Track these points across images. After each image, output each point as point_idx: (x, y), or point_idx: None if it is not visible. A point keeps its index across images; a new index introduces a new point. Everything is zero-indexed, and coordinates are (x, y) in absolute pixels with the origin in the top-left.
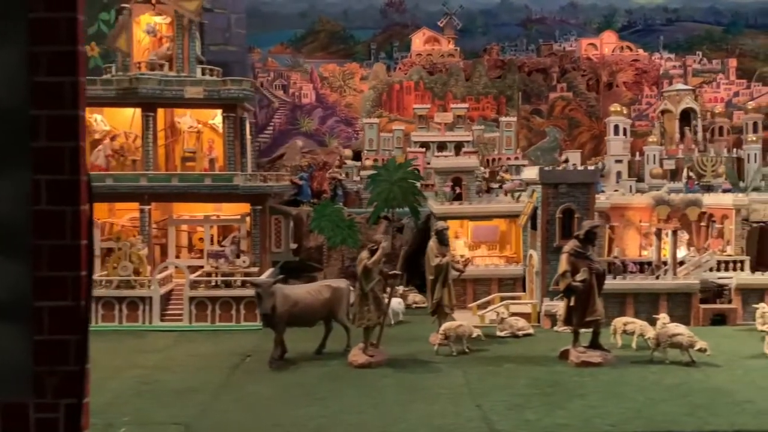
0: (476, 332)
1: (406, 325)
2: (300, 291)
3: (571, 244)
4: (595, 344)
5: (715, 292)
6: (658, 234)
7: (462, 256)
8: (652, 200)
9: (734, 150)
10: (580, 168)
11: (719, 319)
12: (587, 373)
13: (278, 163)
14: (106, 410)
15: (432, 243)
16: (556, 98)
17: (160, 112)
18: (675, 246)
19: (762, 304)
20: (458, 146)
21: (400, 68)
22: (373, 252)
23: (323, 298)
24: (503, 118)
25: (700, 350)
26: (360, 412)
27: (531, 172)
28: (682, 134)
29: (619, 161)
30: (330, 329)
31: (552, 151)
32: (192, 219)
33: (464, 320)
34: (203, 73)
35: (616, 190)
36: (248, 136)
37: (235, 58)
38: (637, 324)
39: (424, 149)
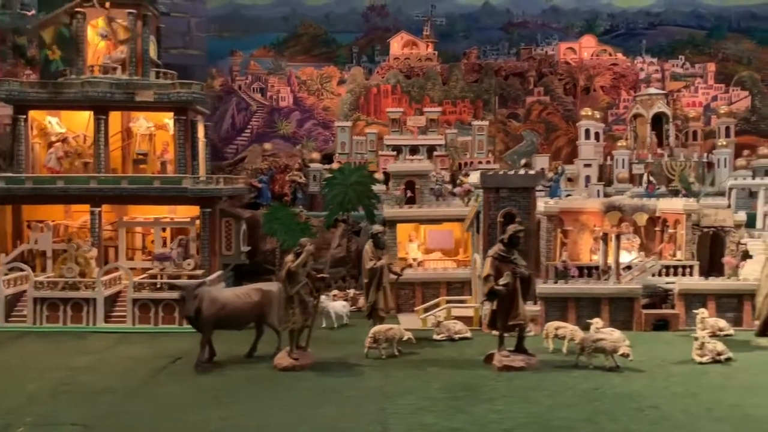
0: (407, 335)
1: (350, 328)
2: (228, 294)
3: (495, 249)
4: (519, 348)
5: (661, 297)
6: (604, 239)
7: (414, 259)
8: (602, 205)
9: (705, 154)
10: (521, 172)
11: (662, 324)
12: (506, 378)
13: (240, 166)
14: (13, 411)
15: (368, 246)
16: (533, 102)
17: (115, 115)
18: (618, 251)
19: (702, 310)
20: (431, 150)
21: (378, 72)
22: (298, 255)
23: (252, 302)
24: (475, 122)
25: (623, 355)
26: (265, 415)
27: (476, 177)
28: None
29: (588, 165)
30: (261, 332)
31: (529, 155)
32: (141, 221)
33: (411, 323)
34: (158, 77)
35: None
36: (202, 139)
37: (195, 62)
38: (568, 328)
39: (395, 153)
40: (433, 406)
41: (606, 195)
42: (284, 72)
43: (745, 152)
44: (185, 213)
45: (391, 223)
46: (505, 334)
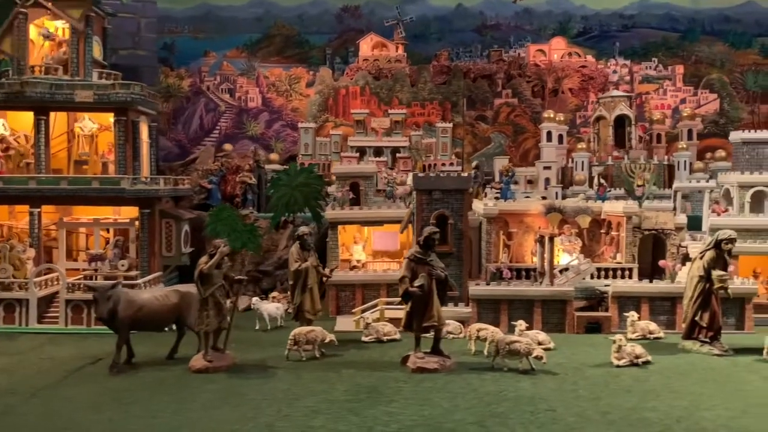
0: (329, 337)
1: (283, 330)
2: (146, 296)
3: (412, 250)
4: (435, 350)
5: (598, 300)
6: (542, 241)
7: (358, 261)
8: (543, 207)
9: (666, 157)
10: (452, 174)
11: (595, 327)
12: (416, 379)
13: (191, 167)
14: None
15: (293, 248)
16: (501, 104)
17: (61, 115)
18: (552, 253)
19: (632, 313)
20: (395, 151)
21: (347, 73)
22: (211, 256)
23: (171, 303)
24: (439, 124)
25: (537, 358)
26: (154, 417)
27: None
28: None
29: (547, 167)
30: (182, 334)
31: (497, 157)
32: (80, 222)
33: (348, 325)
34: (100, 77)
35: (544, 197)
36: (145, 140)
37: (145, 62)
38: (489, 330)
39: (358, 154)
40: (328, 408)
41: (564, 197)
42: (254, 73)
43: (708, 155)
44: (129, 214)
45: (332, 225)
46: (421, 336)
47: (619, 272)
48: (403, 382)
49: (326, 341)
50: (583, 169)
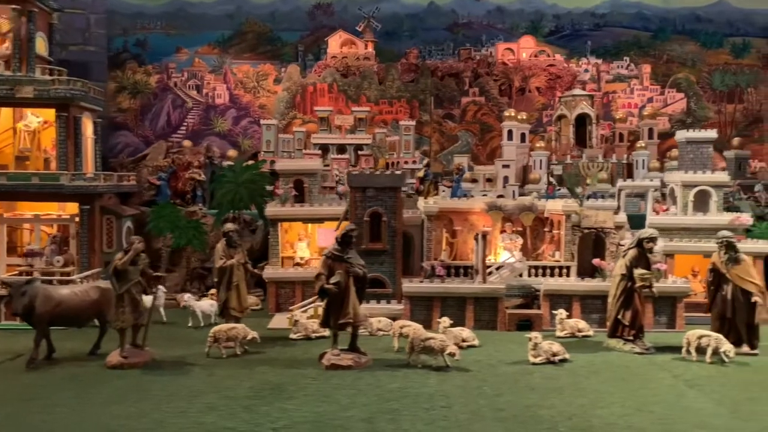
0: (251, 334)
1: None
2: (65, 291)
3: (330, 247)
4: (352, 347)
5: (533, 297)
6: (477, 238)
7: (302, 258)
8: (485, 205)
9: (624, 156)
10: (387, 172)
11: (526, 325)
12: (327, 376)
13: (142, 163)
14: None
15: (219, 245)
16: (468, 103)
17: (7, 111)
18: (484, 251)
19: (561, 311)
20: (358, 149)
21: (315, 71)
22: (126, 252)
23: (90, 299)
24: (403, 122)
25: (450, 354)
26: (51, 412)
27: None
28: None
29: (506, 166)
30: (104, 330)
31: (464, 155)
32: (22, 218)
33: (283, 323)
34: (44, 73)
35: (501, 195)
36: (90, 136)
37: (95, 58)
38: (412, 327)
39: (320, 152)
40: (226, 405)
41: (521, 195)
42: (224, 69)
43: (669, 154)
44: (73, 210)
45: (273, 222)
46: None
47: (556, 270)
48: (312, 379)
49: (248, 338)
50: (541, 168)
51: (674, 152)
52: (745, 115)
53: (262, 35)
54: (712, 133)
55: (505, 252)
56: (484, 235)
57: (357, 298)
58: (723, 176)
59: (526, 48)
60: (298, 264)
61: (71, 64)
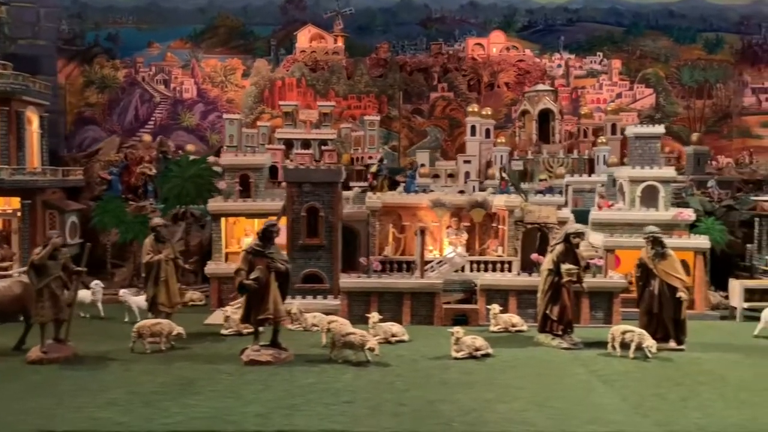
0: (177, 329)
1: None
2: None
3: (250, 243)
4: (273, 342)
5: (474, 292)
6: (422, 232)
7: None
8: (430, 201)
9: (586, 151)
10: (323, 167)
11: (462, 320)
12: (244, 372)
13: (95, 158)
14: None
15: (147, 240)
16: (436, 98)
17: None
18: (423, 246)
19: (494, 306)
20: (323, 144)
21: (283, 65)
22: (44, 247)
23: (13, 294)
24: (367, 117)
25: (369, 350)
26: None
27: None
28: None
29: (467, 161)
30: (30, 325)
31: (433, 150)
32: None
33: (219, 319)
34: None
35: (462, 191)
36: (35, 130)
37: (44, 52)
38: (339, 322)
39: (284, 147)
40: (128, 400)
41: (481, 191)
42: (186, 63)
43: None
44: (17, 204)
45: (216, 217)
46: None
47: (498, 265)
48: (227, 375)
49: (174, 334)
50: (501, 164)
51: None
52: (714, 111)
53: (235, 29)
54: (659, 129)
55: (450, 247)
56: (423, 231)
57: (279, 294)
58: (670, 172)
59: (496, 43)
60: None
61: (20, 58)
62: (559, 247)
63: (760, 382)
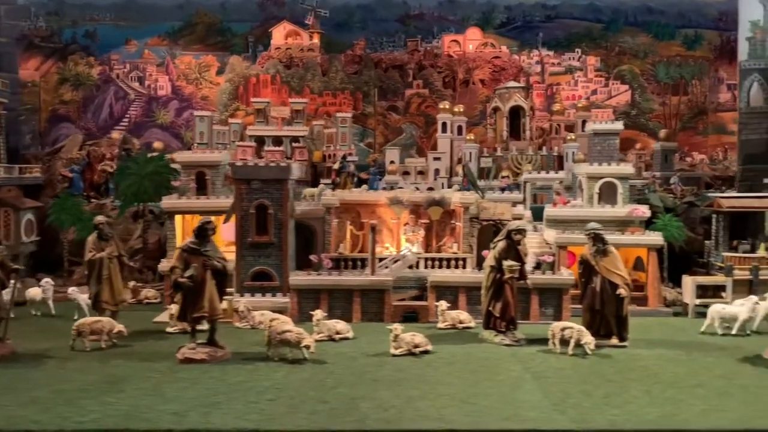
0: (117, 327)
1: None
2: None
3: (186, 241)
4: (210, 340)
5: (426, 289)
6: (372, 229)
7: None
8: (387, 199)
9: (555, 148)
10: (272, 164)
11: (412, 316)
12: (176, 370)
13: (57, 156)
14: None
15: (90, 238)
16: (412, 95)
17: None
18: (374, 243)
19: (442, 302)
20: (294, 141)
21: (258, 62)
22: None
23: None
24: (339, 114)
25: (305, 347)
26: None
27: None
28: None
29: (437, 158)
30: None
31: (409, 147)
32: None
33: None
34: None
35: (431, 188)
36: None
37: (5, 49)
38: (280, 320)
39: (254, 144)
40: (50, 399)
41: (449, 188)
42: (161, 60)
43: None
44: None
45: (170, 215)
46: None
47: (453, 262)
48: (158, 373)
49: (115, 332)
50: (471, 161)
51: None
52: (689, 107)
53: (212, 26)
54: (618, 126)
55: (407, 244)
56: (374, 228)
57: (216, 292)
58: (628, 168)
59: (472, 40)
60: None
61: None
62: (501, 244)
63: (692, 379)
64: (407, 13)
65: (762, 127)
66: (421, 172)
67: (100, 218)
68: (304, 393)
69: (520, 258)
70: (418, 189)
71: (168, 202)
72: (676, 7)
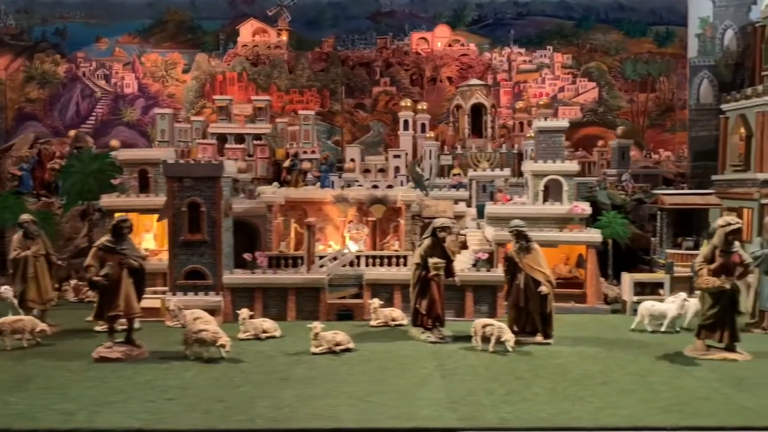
0: (40, 326)
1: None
2: None
3: (102, 239)
4: (128, 339)
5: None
6: (308, 227)
7: (147, 249)
8: (333, 197)
9: (515, 146)
10: (203, 161)
11: (347, 315)
12: (88, 369)
13: (7, 154)
14: None
15: (15, 236)
16: (379, 92)
17: None
18: (310, 241)
19: (375, 300)
20: (257, 139)
21: (225, 59)
22: None
23: None
24: (301, 112)
25: (221, 346)
26: None
27: None
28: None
29: (397, 156)
30: None
31: (377, 145)
32: None
33: None
34: None
35: (390, 186)
36: None
37: None
38: (203, 318)
39: (215, 141)
40: None
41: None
42: (127, 58)
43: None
44: None
45: (110, 213)
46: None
47: (394, 260)
48: (69, 372)
49: (37, 330)
50: (431, 159)
51: None
52: (657, 105)
53: (183, 24)
54: (563, 123)
55: (351, 242)
56: (309, 226)
57: (133, 291)
58: (573, 166)
59: (440, 37)
60: (146, 257)
61: None
62: (427, 242)
63: (602, 376)
64: (379, 10)
65: (711, 124)
66: (381, 170)
67: (25, 216)
68: (207, 392)
69: (446, 255)
70: (377, 187)
71: (107, 200)
72: (647, 5)
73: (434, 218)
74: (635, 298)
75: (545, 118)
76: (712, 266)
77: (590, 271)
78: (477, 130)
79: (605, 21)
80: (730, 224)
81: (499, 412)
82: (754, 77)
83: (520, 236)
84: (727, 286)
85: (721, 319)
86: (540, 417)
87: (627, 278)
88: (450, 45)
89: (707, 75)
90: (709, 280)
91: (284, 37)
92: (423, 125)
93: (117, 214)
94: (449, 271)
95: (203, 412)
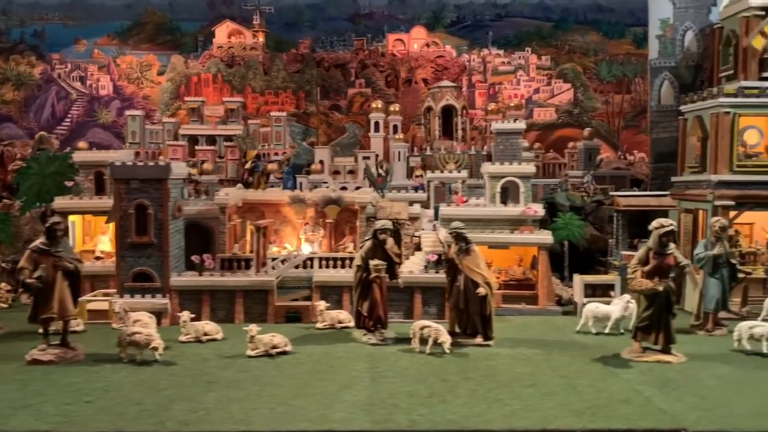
0: None
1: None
2: None
3: (37, 241)
4: (63, 342)
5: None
6: (258, 229)
7: (102, 251)
8: (289, 198)
9: (484, 147)
10: (151, 163)
11: (295, 317)
12: (19, 372)
13: None
14: None
15: None
16: (354, 94)
17: None
18: (261, 243)
19: (321, 302)
20: (228, 140)
21: (200, 61)
22: None
23: None
24: (273, 113)
25: (153, 349)
26: None
27: None
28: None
29: (366, 158)
30: None
31: (352, 147)
32: None
33: None
34: None
35: (358, 187)
36: None
37: None
38: (142, 321)
39: (186, 143)
40: None
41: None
42: (101, 60)
43: (536, 145)
44: None
45: (63, 215)
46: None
47: (347, 261)
48: None
49: None
50: (400, 160)
51: (524, 142)
52: (633, 106)
53: (162, 25)
54: (520, 125)
55: (306, 244)
56: (259, 228)
57: (69, 293)
58: (529, 168)
59: (417, 39)
60: (98, 257)
61: None
62: (368, 244)
63: (530, 379)
64: (357, 12)
65: (672, 125)
66: (351, 172)
67: None
68: (127, 395)
69: (387, 257)
70: (345, 188)
71: (60, 202)
72: (625, 6)
73: (389, 220)
74: (585, 300)
75: (515, 120)
76: (646, 268)
77: (542, 272)
78: (448, 132)
79: (584, 22)
80: (663, 226)
81: (411, 415)
82: (712, 79)
83: (459, 238)
84: (660, 288)
85: (656, 321)
86: (450, 419)
87: (578, 280)
88: (426, 46)
89: (668, 76)
90: (643, 282)
91: (260, 39)
92: (395, 127)
93: (71, 217)
94: (393, 272)
95: (116, 415)
